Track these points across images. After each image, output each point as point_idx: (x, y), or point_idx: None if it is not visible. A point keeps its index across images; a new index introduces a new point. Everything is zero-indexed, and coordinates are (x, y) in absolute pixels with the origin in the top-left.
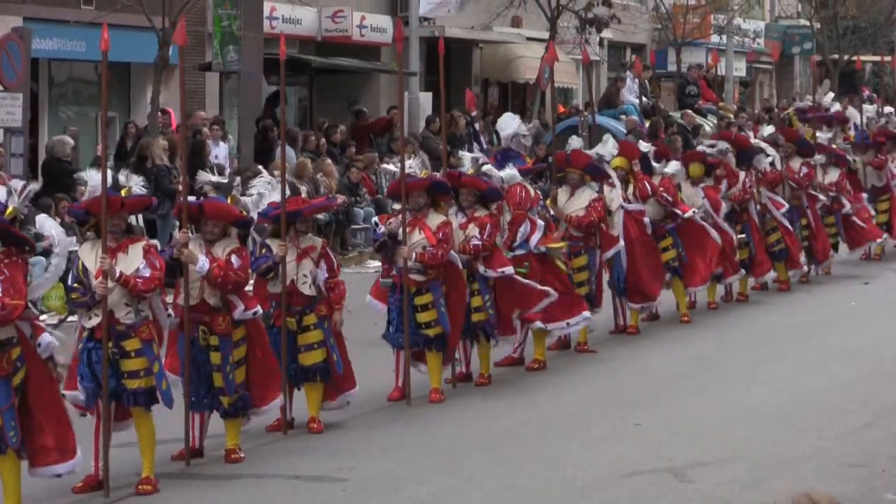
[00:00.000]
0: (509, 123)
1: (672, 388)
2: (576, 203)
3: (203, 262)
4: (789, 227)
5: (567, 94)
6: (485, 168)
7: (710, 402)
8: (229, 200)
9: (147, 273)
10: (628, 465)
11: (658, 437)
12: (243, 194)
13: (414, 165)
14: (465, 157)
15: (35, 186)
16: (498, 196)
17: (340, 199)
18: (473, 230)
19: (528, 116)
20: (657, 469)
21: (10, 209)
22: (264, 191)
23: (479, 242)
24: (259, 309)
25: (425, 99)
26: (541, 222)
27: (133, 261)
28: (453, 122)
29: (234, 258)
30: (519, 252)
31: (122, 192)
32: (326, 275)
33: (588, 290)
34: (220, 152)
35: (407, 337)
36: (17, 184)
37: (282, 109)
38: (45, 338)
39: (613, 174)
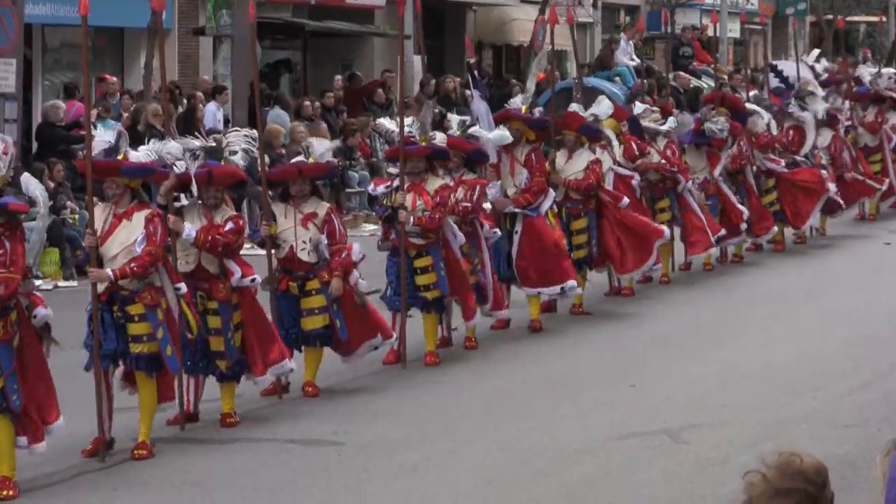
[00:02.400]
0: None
1: (667, 351)
2: (574, 166)
3: (189, 230)
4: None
5: (561, 57)
6: (472, 130)
7: (705, 365)
8: (222, 163)
9: (141, 247)
10: (623, 427)
11: (653, 399)
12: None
13: (413, 129)
14: (453, 119)
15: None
16: (483, 158)
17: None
18: (461, 192)
19: (523, 80)
20: (652, 431)
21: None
22: (248, 146)
23: (469, 204)
24: (256, 276)
25: (419, 62)
26: (552, 191)
27: (134, 230)
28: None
29: (229, 224)
30: (529, 214)
31: (120, 158)
32: (327, 241)
33: (586, 252)
34: (220, 116)
35: (404, 300)
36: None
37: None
38: (41, 310)
39: (612, 134)
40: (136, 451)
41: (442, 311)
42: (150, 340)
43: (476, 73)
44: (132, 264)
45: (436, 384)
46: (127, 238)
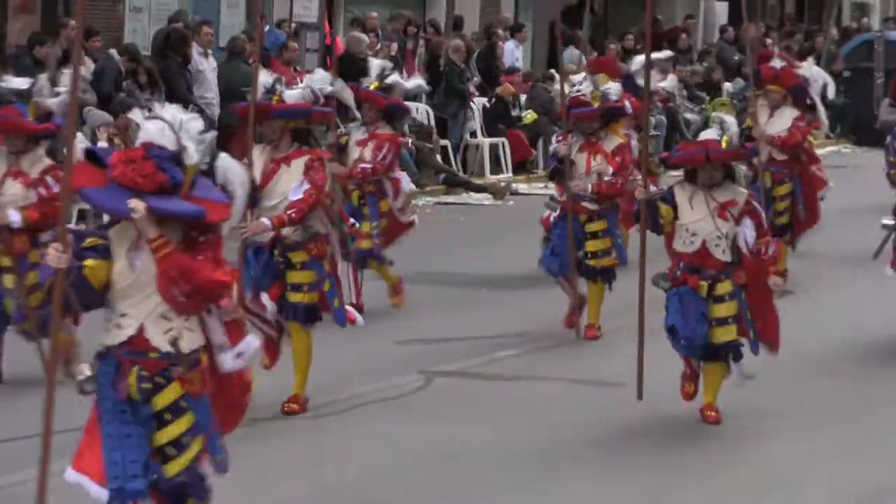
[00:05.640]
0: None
1: None
2: (777, 125)
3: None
4: None
5: (863, 9)
6: (389, 79)
7: None
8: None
9: (300, 195)
10: None
11: None
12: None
13: (583, 87)
14: (374, 63)
15: None
16: (403, 112)
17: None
18: (368, 151)
19: (826, 28)
20: None
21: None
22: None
23: (369, 166)
24: None
25: (721, 8)
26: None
27: (293, 177)
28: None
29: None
30: None
31: (274, 99)
32: (754, 234)
33: (787, 219)
34: (519, 54)
35: (573, 262)
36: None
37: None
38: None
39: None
40: (286, 405)
41: (612, 280)
42: (310, 290)
43: None
44: (290, 211)
45: None
46: (286, 187)
